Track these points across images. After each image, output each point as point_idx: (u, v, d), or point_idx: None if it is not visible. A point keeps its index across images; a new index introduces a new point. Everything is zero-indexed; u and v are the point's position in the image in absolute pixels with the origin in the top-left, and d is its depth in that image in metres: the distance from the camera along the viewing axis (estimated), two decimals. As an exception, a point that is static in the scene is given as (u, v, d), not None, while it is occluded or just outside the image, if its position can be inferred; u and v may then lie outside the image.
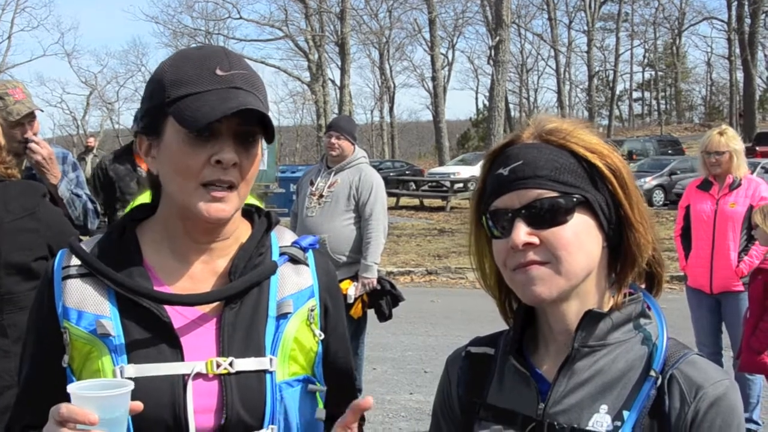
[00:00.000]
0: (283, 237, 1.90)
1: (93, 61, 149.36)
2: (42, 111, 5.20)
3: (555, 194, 1.55)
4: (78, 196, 5.15)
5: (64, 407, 1.44)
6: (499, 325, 1.82)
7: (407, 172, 40.32)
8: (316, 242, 1.93)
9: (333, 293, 1.92)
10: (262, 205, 1.94)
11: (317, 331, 1.83)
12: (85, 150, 22.22)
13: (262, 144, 1.76)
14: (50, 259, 3.54)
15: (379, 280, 6.85)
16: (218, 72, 1.67)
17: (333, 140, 6.87)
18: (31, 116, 4.96)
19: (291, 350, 1.76)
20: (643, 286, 1.69)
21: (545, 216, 1.55)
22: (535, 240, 1.55)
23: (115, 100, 67.37)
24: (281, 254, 1.85)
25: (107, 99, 68.40)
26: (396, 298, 7.00)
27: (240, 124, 1.66)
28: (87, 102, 68.46)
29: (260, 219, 1.89)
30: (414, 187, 34.29)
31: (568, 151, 1.59)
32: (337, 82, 45.84)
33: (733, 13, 55.74)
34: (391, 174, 36.40)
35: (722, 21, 62.14)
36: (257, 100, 1.67)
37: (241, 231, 1.84)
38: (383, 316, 7.01)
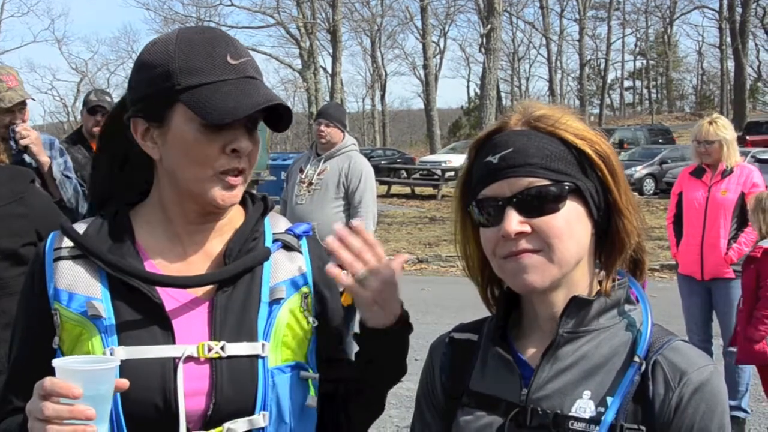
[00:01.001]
0: (277, 224, 1.91)
1: (83, 47, 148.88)
2: (34, 100, 5.20)
3: (547, 182, 1.54)
4: (68, 177, 5.17)
5: (47, 380, 1.44)
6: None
7: (398, 161, 40.25)
8: (310, 230, 1.93)
9: (328, 280, 1.90)
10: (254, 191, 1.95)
11: (311, 318, 1.82)
12: (76, 137, 22.13)
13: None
14: (37, 245, 3.57)
15: (369, 267, 6.83)
16: (230, 60, 1.67)
17: (322, 128, 6.86)
18: (22, 104, 4.96)
19: (283, 336, 1.76)
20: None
21: (537, 204, 1.54)
22: (527, 228, 1.54)
23: (106, 86, 66.95)
24: (275, 241, 1.85)
25: (98, 86, 67.99)
26: (386, 286, 6.97)
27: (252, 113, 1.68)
28: (78, 89, 68.19)
29: (255, 203, 1.89)
30: (405, 175, 34.27)
31: (557, 138, 1.58)
32: (329, 70, 45.79)
33: (725, 2, 55.80)
34: (383, 162, 36.39)
35: (713, 10, 62.35)
36: (270, 90, 1.70)
37: (234, 213, 1.84)
38: (373, 304, 6.99)
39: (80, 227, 1.79)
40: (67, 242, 1.75)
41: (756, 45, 67.61)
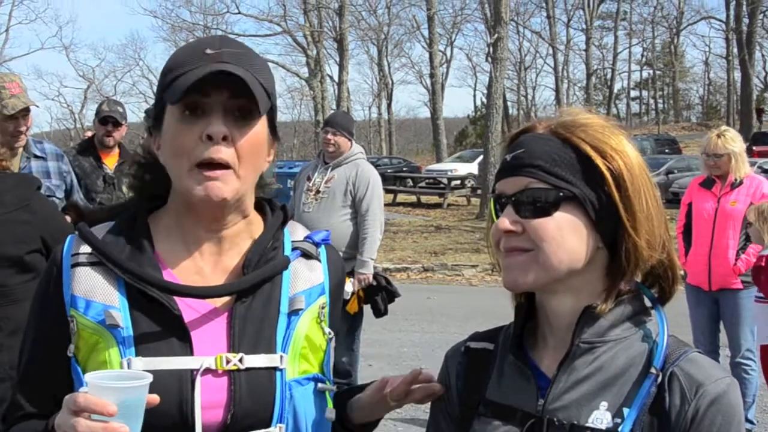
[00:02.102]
0: (295, 231, 1.88)
1: (91, 54, 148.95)
2: (37, 107, 5.22)
3: (544, 186, 1.55)
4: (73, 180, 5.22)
5: (81, 396, 1.41)
6: (495, 322, 1.81)
7: (404, 169, 40.24)
8: (328, 237, 1.91)
9: (339, 291, 1.91)
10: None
11: (327, 329, 1.81)
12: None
13: None
14: (43, 252, 3.57)
15: (375, 275, 6.86)
16: (207, 51, 1.67)
17: (329, 136, 6.89)
18: (25, 111, 4.97)
19: (302, 348, 1.74)
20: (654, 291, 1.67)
21: (530, 206, 1.56)
22: (518, 228, 1.56)
23: (113, 94, 66.87)
24: (294, 249, 1.82)
25: (105, 93, 67.98)
26: (391, 294, 7.00)
27: (230, 98, 1.64)
28: (85, 96, 68.28)
29: (275, 212, 1.86)
30: (411, 183, 34.34)
31: (571, 146, 1.58)
32: (336, 78, 45.75)
33: (731, 12, 55.67)
34: (389, 170, 36.36)
35: (720, 20, 62.15)
36: (242, 71, 1.64)
37: (253, 223, 1.81)
38: (379, 312, 7.01)
39: (98, 232, 1.75)
40: (85, 248, 1.71)
41: (762, 56, 67.57)
